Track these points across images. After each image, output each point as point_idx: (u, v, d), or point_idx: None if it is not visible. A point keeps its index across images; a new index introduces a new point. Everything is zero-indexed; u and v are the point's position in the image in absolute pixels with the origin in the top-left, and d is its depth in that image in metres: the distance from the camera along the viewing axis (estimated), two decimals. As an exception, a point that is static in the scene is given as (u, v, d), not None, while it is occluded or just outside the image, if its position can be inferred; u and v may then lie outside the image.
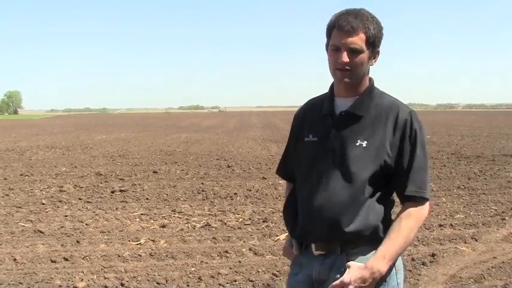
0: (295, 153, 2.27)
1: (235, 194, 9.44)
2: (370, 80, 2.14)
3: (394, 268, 2.07)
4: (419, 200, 2.01)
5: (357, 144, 2.02)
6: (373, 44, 2.02)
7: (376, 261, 1.95)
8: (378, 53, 2.08)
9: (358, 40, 1.97)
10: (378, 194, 2.04)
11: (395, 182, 2.04)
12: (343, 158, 2.03)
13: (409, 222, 1.99)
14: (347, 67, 2.00)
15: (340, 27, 1.99)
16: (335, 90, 2.15)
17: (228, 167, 13.32)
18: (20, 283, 4.98)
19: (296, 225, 2.18)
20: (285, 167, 2.40)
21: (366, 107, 2.06)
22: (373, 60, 2.08)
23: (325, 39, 2.10)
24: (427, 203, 2.04)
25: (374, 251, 2.01)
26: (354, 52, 1.98)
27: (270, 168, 13.03)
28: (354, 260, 2.02)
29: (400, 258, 2.13)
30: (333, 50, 2.03)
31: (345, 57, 1.99)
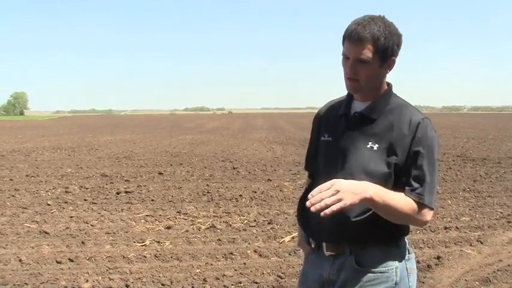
0: (315, 153, 2.31)
1: (241, 195, 9.44)
2: (389, 84, 2.14)
3: (406, 270, 2.07)
4: (424, 207, 1.99)
5: (368, 146, 2.03)
6: (383, 54, 1.99)
7: (373, 185, 1.91)
8: (393, 61, 2.06)
9: (366, 51, 1.96)
10: None
11: (404, 186, 2.02)
12: (353, 159, 2.05)
13: (412, 205, 1.95)
14: (354, 77, 2.02)
15: (349, 38, 2.00)
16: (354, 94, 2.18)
17: (233, 168, 13.33)
18: (25, 284, 4.99)
19: (308, 223, 2.23)
20: (309, 164, 2.42)
21: (380, 110, 2.07)
22: (388, 69, 2.07)
23: (337, 47, 2.12)
24: (431, 212, 2.02)
25: (383, 252, 2.03)
26: (361, 62, 1.98)
27: (275, 170, 13.04)
28: (363, 261, 2.05)
29: (413, 260, 2.14)
30: (343, 58, 2.05)
31: (351, 68, 2.00)
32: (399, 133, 2.01)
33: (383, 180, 2.00)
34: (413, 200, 1.96)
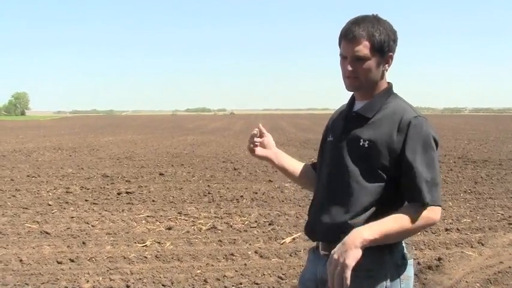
0: (319, 153, 2.35)
1: (242, 196, 9.44)
2: (388, 84, 2.15)
3: (398, 276, 2.05)
4: (429, 207, 1.95)
5: (361, 144, 2.03)
6: (380, 50, 2.02)
7: (360, 227, 1.92)
8: (390, 57, 2.08)
9: (363, 48, 1.99)
10: (380, 196, 2.01)
11: (401, 186, 2.01)
12: (347, 158, 2.06)
13: (412, 215, 1.93)
14: (354, 75, 2.04)
15: (345, 37, 2.03)
16: (355, 94, 2.19)
17: (235, 169, 13.32)
18: (26, 284, 4.99)
19: (308, 223, 2.26)
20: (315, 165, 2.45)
21: (375, 109, 2.08)
22: (386, 65, 2.09)
23: (338, 48, 2.13)
24: (438, 208, 1.97)
25: (375, 256, 1.99)
26: (358, 60, 2.01)
27: (276, 171, 12.99)
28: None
29: (410, 266, 2.10)
30: (341, 58, 2.08)
31: (349, 66, 2.03)
32: (391, 132, 2.00)
33: (375, 177, 2.00)
34: (415, 204, 1.95)
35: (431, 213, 1.96)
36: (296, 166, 2.47)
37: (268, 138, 2.43)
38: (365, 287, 2.01)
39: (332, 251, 1.88)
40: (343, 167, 2.07)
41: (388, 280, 2.03)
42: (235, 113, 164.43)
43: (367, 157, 2.02)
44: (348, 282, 1.82)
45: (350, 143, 2.07)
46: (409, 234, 2.02)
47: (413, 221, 1.92)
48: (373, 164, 2.01)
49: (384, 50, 2.03)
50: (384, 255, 2.03)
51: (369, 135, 2.03)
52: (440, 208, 1.99)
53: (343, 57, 2.06)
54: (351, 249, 1.84)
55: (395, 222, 1.92)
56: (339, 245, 1.87)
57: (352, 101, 2.20)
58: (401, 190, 2.02)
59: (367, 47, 1.99)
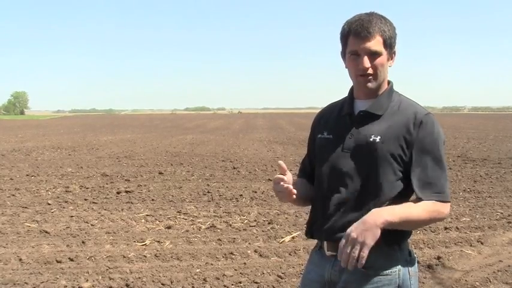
0: (312, 152, 2.30)
1: (241, 195, 9.44)
2: (389, 82, 2.15)
3: (408, 273, 2.06)
4: (439, 203, 1.99)
5: (371, 140, 2.01)
6: (390, 45, 2.03)
7: (380, 208, 1.93)
8: (394, 53, 2.09)
9: (376, 43, 1.98)
10: (394, 193, 2.01)
11: (413, 182, 2.01)
12: (358, 156, 2.04)
13: (426, 207, 1.96)
14: (369, 72, 2.01)
15: (356, 34, 1.99)
16: (355, 93, 2.15)
17: (234, 168, 13.33)
18: (25, 283, 4.99)
19: (310, 222, 2.23)
20: (302, 167, 2.40)
21: (384, 107, 2.07)
22: (391, 61, 2.09)
23: (338, 46, 2.10)
24: (448, 204, 2.02)
25: (386, 255, 2.01)
26: (373, 55, 1.99)
27: (275, 170, 13.01)
28: (366, 263, 1.98)
29: (415, 263, 2.12)
30: (352, 56, 2.03)
31: (366, 62, 1.99)
32: (404, 129, 2.00)
33: (388, 174, 2.00)
34: (427, 200, 1.97)
35: (443, 208, 2.00)
36: (302, 190, 2.17)
37: (289, 175, 2.06)
38: (380, 284, 2.01)
39: (349, 230, 1.88)
40: (352, 166, 2.04)
41: (400, 277, 2.04)
42: (234, 112, 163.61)
43: (378, 154, 2.00)
44: (363, 261, 1.83)
45: (361, 141, 2.04)
46: (421, 225, 2.07)
47: (427, 212, 1.96)
48: (385, 161, 1.99)
49: (392, 45, 2.05)
50: (395, 253, 2.05)
51: (381, 131, 2.02)
52: (449, 204, 2.04)
53: (355, 55, 2.02)
54: (371, 229, 1.84)
55: (414, 209, 1.95)
56: (357, 224, 1.87)
57: (351, 100, 2.15)
58: (412, 186, 2.02)
59: (380, 42, 1.99)
